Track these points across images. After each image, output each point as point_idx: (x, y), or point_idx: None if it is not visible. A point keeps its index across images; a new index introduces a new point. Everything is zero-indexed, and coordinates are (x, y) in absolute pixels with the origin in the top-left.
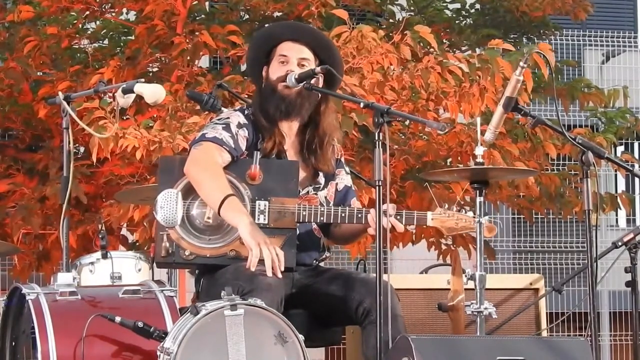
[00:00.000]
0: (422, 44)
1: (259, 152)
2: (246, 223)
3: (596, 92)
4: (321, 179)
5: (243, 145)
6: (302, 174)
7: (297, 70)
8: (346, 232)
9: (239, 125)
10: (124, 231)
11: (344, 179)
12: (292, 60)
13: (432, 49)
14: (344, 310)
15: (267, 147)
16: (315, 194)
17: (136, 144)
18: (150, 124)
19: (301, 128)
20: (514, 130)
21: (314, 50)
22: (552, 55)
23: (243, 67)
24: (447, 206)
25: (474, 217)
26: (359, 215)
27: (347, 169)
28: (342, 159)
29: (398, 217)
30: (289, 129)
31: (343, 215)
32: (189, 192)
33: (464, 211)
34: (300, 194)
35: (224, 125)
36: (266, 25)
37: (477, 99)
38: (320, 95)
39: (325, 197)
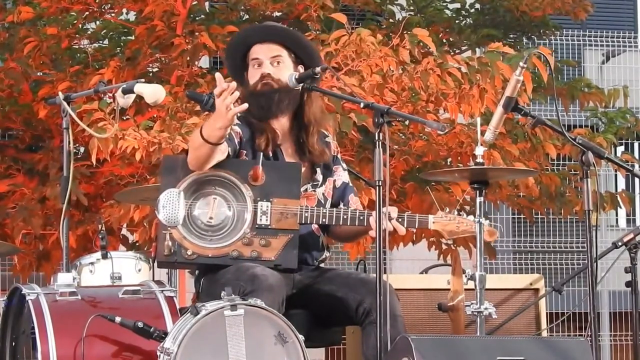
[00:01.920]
0: (421, 44)
1: (262, 154)
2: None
3: (596, 92)
4: (319, 176)
5: (237, 141)
6: None
7: (272, 69)
8: (348, 231)
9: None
10: (124, 231)
11: (341, 175)
12: (264, 62)
13: (431, 50)
14: (343, 311)
15: (261, 143)
16: (314, 191)
17: (135, 145)
18: (150, 125)
19: (292, 126)
20: (514, 131)
21: (284, 46)
22: (552, 58)
23: None
24: (448, 210)
25: (475, 220)
26: (361, 218)
27: (344, 165)
28: (339, 155)
29: (400, 220)
30: (281, 127)
31: (345, 217)
32: (192, 192)
33: (464, 213)
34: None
35: None
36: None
37: (477, 100)
38: (301, 90)
39: (323, 194)
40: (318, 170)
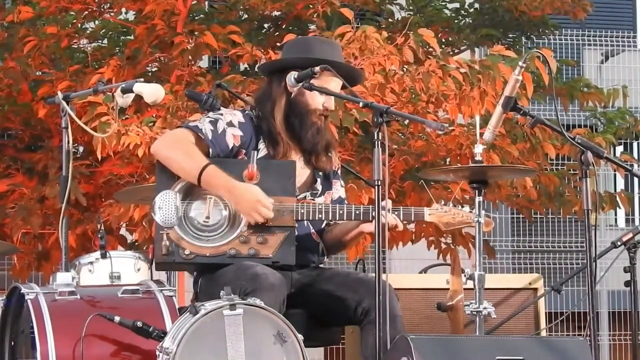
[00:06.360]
0: (421, 45)
1: (256, 152)
2: (229, 197)
3: (595, 92)
4: (319, 185)
5: (230, 142)
6: (301, 180)
7: (330, 102)
8: (339, 235)
9: (231, 124)
10: (123, 231)
11: (338, 190)
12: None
13: (433, 50)
14: (342, 310)
15: (277, 154)
16: (313, 199)
17: (138, 141)
18: (153, 121)
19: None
20: (513, 131)
21: (343, 86)
22: (553, 60)
23: (242, 67)
24: (443, 202)
25: (471, 212)
26: (357, 212)
27: (342, 182)
28: (339, 171)
29: (396, 213)
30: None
31: (341, 212)
32: (187, 193)
33: (460, 207)
34: (298, 197)
35: (211, 120)
36: (322, 41)
37: (477, 102)
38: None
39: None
40: (318, 180)
